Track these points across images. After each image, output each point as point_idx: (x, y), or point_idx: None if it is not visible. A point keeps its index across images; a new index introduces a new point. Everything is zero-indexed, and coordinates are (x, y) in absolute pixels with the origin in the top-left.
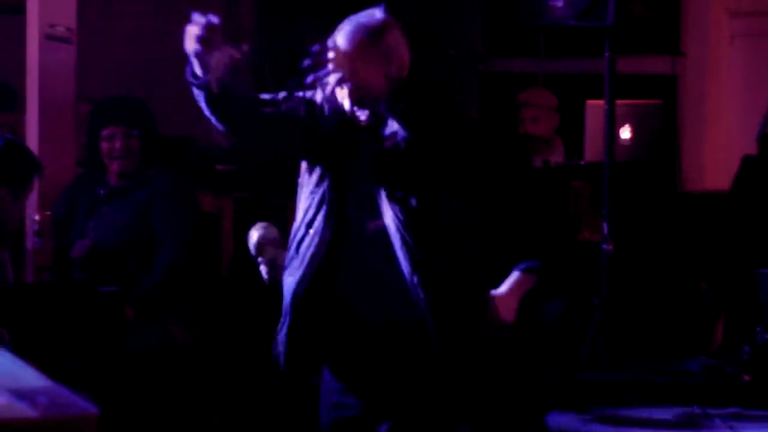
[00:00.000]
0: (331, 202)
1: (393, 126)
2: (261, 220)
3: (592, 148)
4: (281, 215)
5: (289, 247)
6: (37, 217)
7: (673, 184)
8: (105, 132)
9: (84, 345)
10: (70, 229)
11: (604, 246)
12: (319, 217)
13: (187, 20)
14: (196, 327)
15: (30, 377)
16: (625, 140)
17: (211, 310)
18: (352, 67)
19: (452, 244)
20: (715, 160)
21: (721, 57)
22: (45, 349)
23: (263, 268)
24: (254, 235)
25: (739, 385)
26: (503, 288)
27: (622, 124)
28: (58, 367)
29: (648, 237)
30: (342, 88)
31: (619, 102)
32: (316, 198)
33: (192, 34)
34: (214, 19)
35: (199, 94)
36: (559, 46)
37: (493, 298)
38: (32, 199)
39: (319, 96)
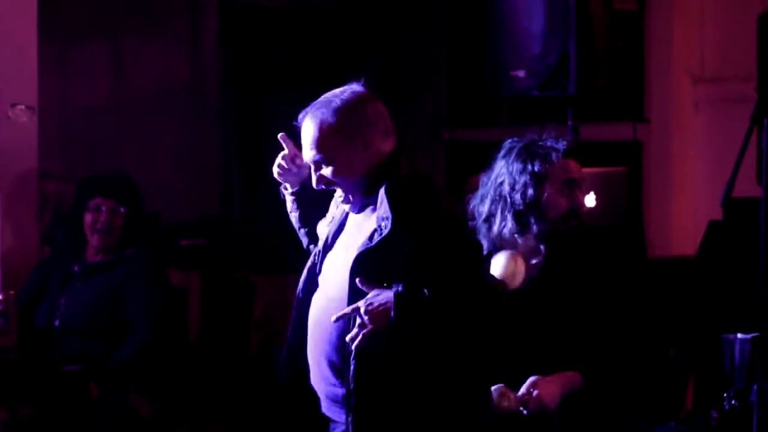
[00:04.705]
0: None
1: (380, 212)
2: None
3: None
4: (247, 288)
5: None
6: (0, 297)
7: (640, 251)
8: (92, 203)
9: (49, 423)
10: (37, 306)
11: None
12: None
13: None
14: (159, 399)
15: None
16: (590, 208)
17: (176, 383)
18: (316, 143)
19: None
20: (681, 225)
21: (685, 123)
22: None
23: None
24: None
25: None
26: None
27: (587, 192)
28: None
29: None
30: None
31: (583, 170)
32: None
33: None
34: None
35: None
36: (523, 115)
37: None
38: None
39: None
